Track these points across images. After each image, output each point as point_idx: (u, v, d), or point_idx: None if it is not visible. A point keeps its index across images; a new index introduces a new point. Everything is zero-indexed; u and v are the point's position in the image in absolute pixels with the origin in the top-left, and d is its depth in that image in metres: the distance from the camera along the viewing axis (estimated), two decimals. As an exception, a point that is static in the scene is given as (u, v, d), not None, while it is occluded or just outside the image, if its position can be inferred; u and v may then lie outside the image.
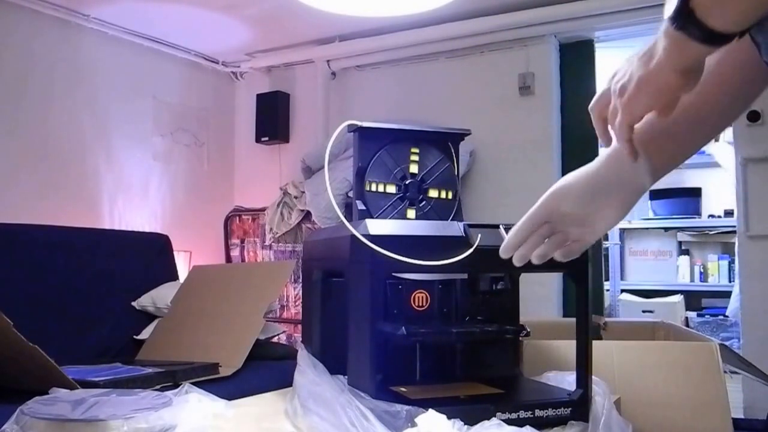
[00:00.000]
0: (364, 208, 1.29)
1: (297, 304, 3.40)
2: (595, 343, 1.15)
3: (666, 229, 4.64)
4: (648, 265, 4.70)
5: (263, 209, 3.55)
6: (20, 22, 2.86)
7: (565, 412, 1.09)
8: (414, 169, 1.34)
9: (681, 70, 0.66)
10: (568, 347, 1.24)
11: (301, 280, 2.96)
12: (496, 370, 1.27)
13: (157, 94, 3.50)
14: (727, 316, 4.20)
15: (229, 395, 1.25)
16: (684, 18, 0.61)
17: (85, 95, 3.13)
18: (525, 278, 1.31)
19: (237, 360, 2.08)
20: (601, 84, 2.98)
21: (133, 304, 2.63)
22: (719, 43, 0.62)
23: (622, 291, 4.59)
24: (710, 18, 0.60)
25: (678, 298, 4.43)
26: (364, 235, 1.04)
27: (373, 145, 1.32)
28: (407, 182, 1.33)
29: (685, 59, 0.65)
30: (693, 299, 4.59)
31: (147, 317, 2.61)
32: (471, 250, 1.07)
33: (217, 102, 3.88)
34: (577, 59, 3.15)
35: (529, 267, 0.92)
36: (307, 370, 1.14)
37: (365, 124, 1.31)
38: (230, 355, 2.10)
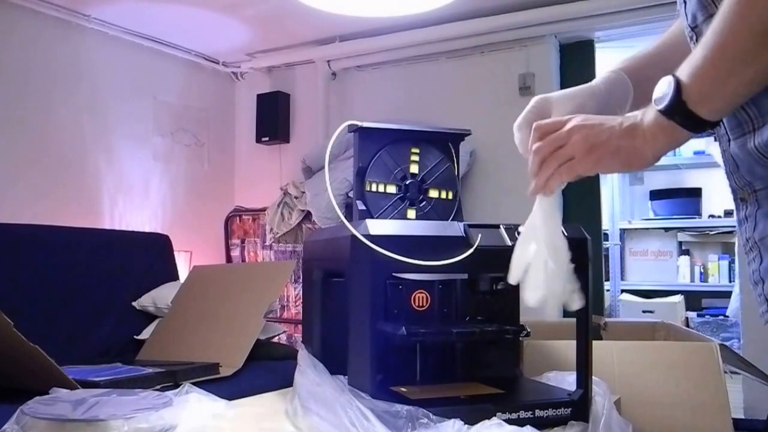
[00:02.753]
0: (364, 208, 1.29)
1: (297, 304, 3.40)
2: (595, 343, 1.15)
3: (666, 229, 4.63)
4: (648, 265, 4.70)
5: (264, 209, 3.55)
6: (20, 22, 2.86)
7: (565, 412, 1.09)
8: (414, 169, 1.34)
9: (659, 152, 0.75)
10: (568, 347, 1.24)
11: (301, 280, 2.96)
12: (496, 370, 1.27)
13: (157, 94, 3.50)
14: (728, 317, 4.20)
15: (229, 395, 1.25)
16: (677, 109, 0.70)
17: (86, 95, 3.13)
18: (525, 278, 1.31)
19: (237, 360, 2.08)
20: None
21: (134, 304, 2.63)
22: (705, 128, 0.71)
23: (622, 291, 4.59)
24: (699, 109, 0.69)
25: (678, 299, 4.43)
26: (364, 235, 1.04)
27: (374, 145, 1.32)
28: (407, 182, 1.33)
29: (669, 144, 0.74)
30: (693, 299, 4.59)
31: (147, 317, 2.61)
32: (471, 250, 1.07)
33: (217, 102, 3.88)
34: (577, 59, 3.15)
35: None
36: (308, 370, 1.14)
37: (365, 125, 1.31)
38: (230, 355, 2.10)
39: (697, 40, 0.79)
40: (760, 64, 0.64)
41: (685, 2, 0.80)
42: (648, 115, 0.74)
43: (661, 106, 0.70)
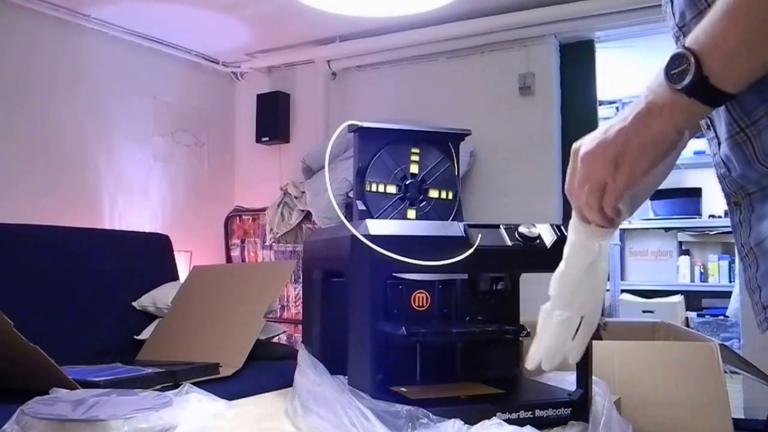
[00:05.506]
0: (364, 208, 1.29)
1: (297, 304, 3.40)
2: (595, 343, 1.15)
3: (666, 229, 4.64)
4: (648, 265, 4.70)
5: (263, 209, 3.55)
6: (20, 22, 2.86)
7: (565, 412, 1.09)
8: (414, 169, 1.34)
9: (682, 129, 0.69)
10: (568, 347, 1.24)
11: (301, 280, 2.96)
12: (496, 370, 1.27)
13: (157, 94, 3.50)
14: (728, 317, 4.20)
15: (229, 395, 1.25)
16: (700, 87, 0.63)
17: (85, 95, 3.13)
18: (525, 278, 1.31)
19: (237, 360, 2.08)
20: (601, 84, 2.97)
21: (134, 304, 2.63)
22: (722, 102, 0.66)
23: (622, 291, 4.59)
24: (723, 83, 0.63)
25: (678, 299, 4.43)
26: (364, 235, 1.04)
27: (374, 145, 1.32)
28: (407, 182, 1.33)
29: (689, 119, 0.68)
30: (693, 299, 4.59)
31: (147, 317, 2.61)
32: (471, 250, 1.07)
33: (217, 102, 3.88)
34: (577, 59, 3.15)
35: (529, 267, 0.92)
36: (308, 370, 1.14)
37: (365, 125, 1.31)
38: (230, 355, 2.10)
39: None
40: None
41: (671, 1, 0.78)
42: (660, 94, 0.67)
43: (680, 85, 0.64)
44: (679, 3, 0.76)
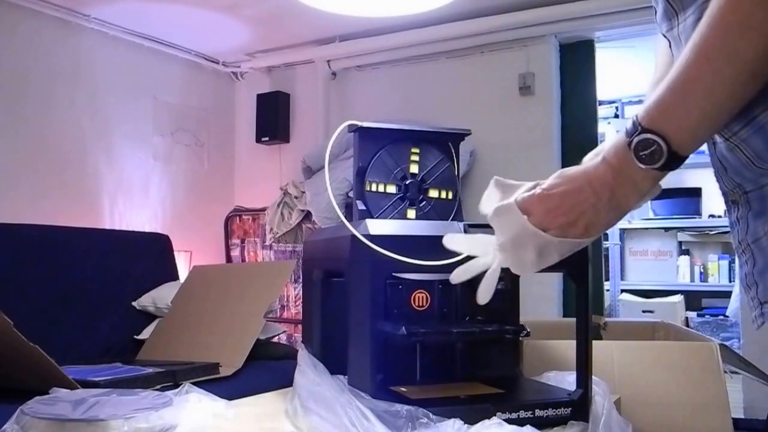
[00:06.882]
0: (364, 208, 1.29)
1: (297, 304, 3.40)
2: (595, 343, 1.15)
3: (666, 229, 4.64)
4: (648, 265, 4.70)
5: (263, 209, 3.55)
6: (20, 22, 2.86)
7: (565, 412, 1.09)
8: (414, 169, 1.34)
9: (646, 193, 0.74)
10: (568, 347, 1.24)
11: (301, 280, 2.96)
12: (496, 370, 1.27)
13: (157, 94, 3.50)
14: (727, 316, 4.21)
15: (229, 395, 1.25)
16: (672, 162, 0.68)
17: (85, 95, 3.13)
18: (525, 278, 1.31)
19: (237, 360, 2.08)
20: (600, 84, 2.96)
21: (134, 304, 2.63)
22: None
23: (622, 291, 4.60)
24: (689, 150, 0.68)
25: (678, 298, 4.43)
26: (364, 235, 1.04)
27: (374, 145, 1.32)
28: (407, 182, 1.33)
29: (651, 186, 0.73)
30: (693, 299, 4.60)
31: (147, 317, 2.61)
32: (471, 250, 1.06)
33: (217, 102, 3.88)
34: (577, 59, 3.16)
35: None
36: (308, 370, 1.14)
37: (365, 124, 1.31)
38: (230, 355, 2.10)
39: (670, 46, 0.80)
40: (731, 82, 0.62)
41: (656, 11, 0.80)
42: (625, 171, 0.71)
43: (655, 165, 0.69)
44: (659, 13, 0.79)
